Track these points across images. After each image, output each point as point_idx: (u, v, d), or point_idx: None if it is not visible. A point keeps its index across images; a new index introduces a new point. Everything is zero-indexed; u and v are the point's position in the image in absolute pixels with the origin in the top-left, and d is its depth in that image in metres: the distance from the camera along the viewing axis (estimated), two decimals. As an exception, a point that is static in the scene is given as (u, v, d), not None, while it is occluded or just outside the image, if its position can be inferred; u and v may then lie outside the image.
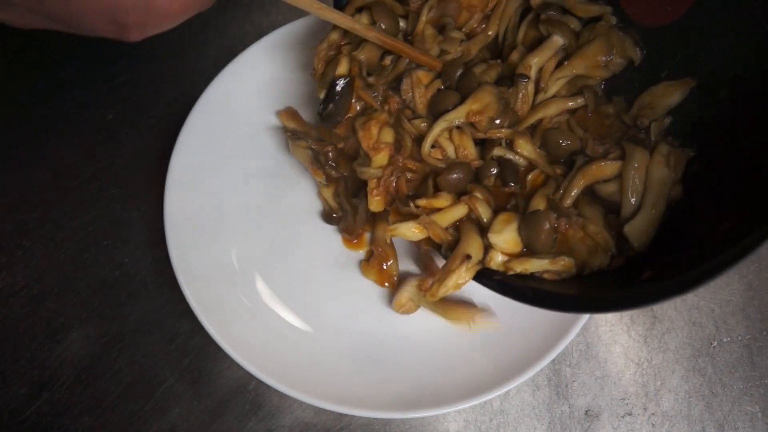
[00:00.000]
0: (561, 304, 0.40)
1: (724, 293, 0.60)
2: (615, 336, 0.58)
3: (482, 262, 0.43)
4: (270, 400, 0.56)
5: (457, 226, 0.46)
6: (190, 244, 0.55)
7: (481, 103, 0.46)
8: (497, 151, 0.47)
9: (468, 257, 0.43)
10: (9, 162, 0.63)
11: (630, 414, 0.56)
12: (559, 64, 0.48)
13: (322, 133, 0.56)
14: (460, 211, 0.45)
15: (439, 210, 0.45)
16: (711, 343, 0.58)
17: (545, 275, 0.42)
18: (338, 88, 0.48)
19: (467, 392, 0.51)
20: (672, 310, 0.59)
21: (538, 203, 0.44)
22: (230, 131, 0.60)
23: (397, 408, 0.51)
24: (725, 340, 0.59)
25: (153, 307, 0.59)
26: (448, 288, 0.43)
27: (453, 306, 0.55)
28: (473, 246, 0.43)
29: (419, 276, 0.57)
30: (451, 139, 0.47)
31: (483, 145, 0.48)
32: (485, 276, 0.44)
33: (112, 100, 0.65)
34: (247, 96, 0.61)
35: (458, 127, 0.47)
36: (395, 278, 0.57)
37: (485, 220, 0.44)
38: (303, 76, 0.62)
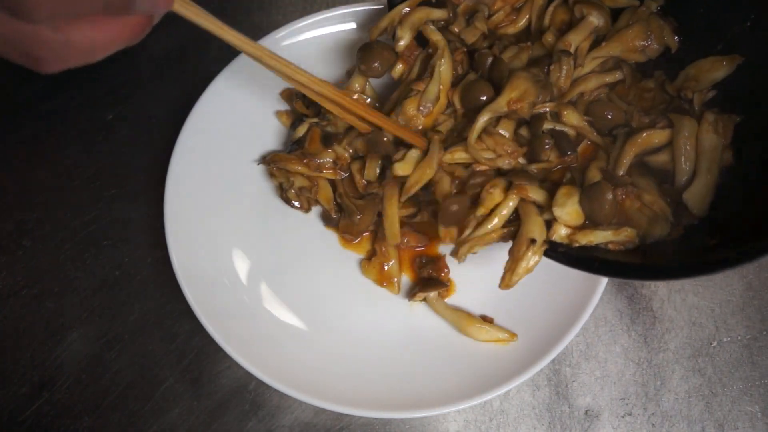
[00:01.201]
0: (631, 272, 0.41)
1: (724, 293, 0.60)
2: (615, 336, 0.58)
3: (546, 239, 0.44)
4: (270, 400, 0.56)
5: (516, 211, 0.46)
6: (190, 245, 0.55)
7: (519, 90, 0.47)
8: (547, 125, 0.47)
9: (533, 241, 0.43)
10: (9, 162, 0.63)
11: (630, 414, 0.56)
12: (593, 45, 0.49)
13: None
14: (511, 206, 0.46)
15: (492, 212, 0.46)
16: (711, 343, 0.58)
17: (609, 246, 0.43)
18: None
19: (467, 392, 0.51)
20: (672, 310, 0.59)
21: (594, 175, 0.45)
22: (230, 131, 0.60)
23: (397, 408, 0.51)
24: (725, 340, 0.59)
25: (153, 307, 0.59)
26: (520, 275, 0.44)
27: (467, 317, 0.56)
28: (535, 228, 0.44)
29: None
30: (492, 133, 0.48)
31: (528, 124, 0.49)
32: (550, 248, 0.44)
33: (112, 100, 0.65)
34: (248, 96, 0.61)
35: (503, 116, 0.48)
36: (396, 280, 0.57)
37: (541, 200, 0.45)
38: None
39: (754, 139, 0.42)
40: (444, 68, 0.50)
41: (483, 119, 0.46)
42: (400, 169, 0.49)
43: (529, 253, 0.43)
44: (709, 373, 0.57)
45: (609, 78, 0.49)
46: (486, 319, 0.56)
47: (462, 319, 0.55)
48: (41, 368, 0.57)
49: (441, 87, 0.50)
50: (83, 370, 0.57)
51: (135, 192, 0.62)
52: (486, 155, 0.47)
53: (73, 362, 0.57)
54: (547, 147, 0.46)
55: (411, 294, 0.57)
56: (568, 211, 0.43)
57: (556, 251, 0.44)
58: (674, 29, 0.48)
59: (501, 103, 0.47)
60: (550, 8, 0.51)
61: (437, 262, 0.58)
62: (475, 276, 0.58)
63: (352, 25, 0.62)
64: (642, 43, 0.48)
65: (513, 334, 0.54)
